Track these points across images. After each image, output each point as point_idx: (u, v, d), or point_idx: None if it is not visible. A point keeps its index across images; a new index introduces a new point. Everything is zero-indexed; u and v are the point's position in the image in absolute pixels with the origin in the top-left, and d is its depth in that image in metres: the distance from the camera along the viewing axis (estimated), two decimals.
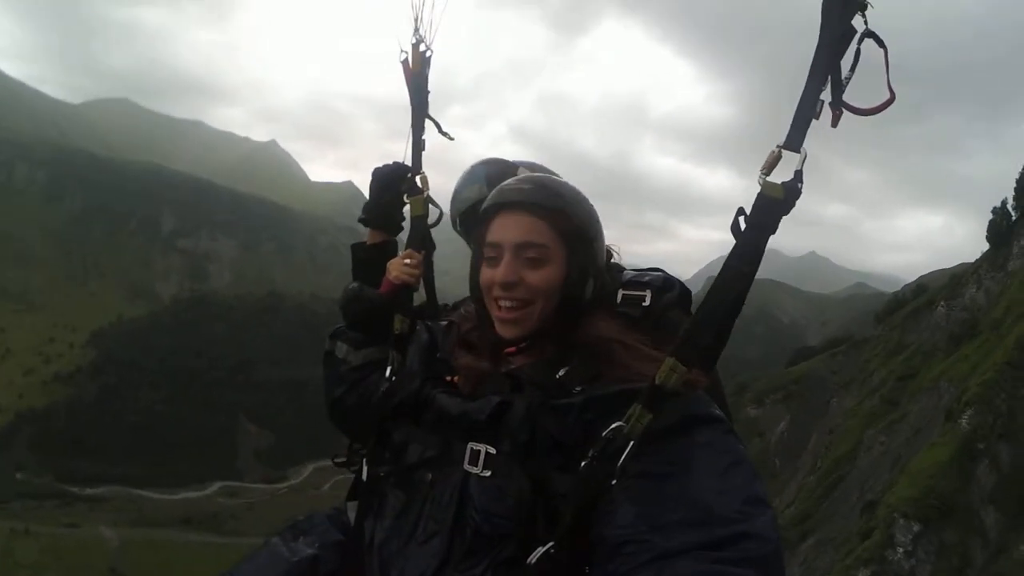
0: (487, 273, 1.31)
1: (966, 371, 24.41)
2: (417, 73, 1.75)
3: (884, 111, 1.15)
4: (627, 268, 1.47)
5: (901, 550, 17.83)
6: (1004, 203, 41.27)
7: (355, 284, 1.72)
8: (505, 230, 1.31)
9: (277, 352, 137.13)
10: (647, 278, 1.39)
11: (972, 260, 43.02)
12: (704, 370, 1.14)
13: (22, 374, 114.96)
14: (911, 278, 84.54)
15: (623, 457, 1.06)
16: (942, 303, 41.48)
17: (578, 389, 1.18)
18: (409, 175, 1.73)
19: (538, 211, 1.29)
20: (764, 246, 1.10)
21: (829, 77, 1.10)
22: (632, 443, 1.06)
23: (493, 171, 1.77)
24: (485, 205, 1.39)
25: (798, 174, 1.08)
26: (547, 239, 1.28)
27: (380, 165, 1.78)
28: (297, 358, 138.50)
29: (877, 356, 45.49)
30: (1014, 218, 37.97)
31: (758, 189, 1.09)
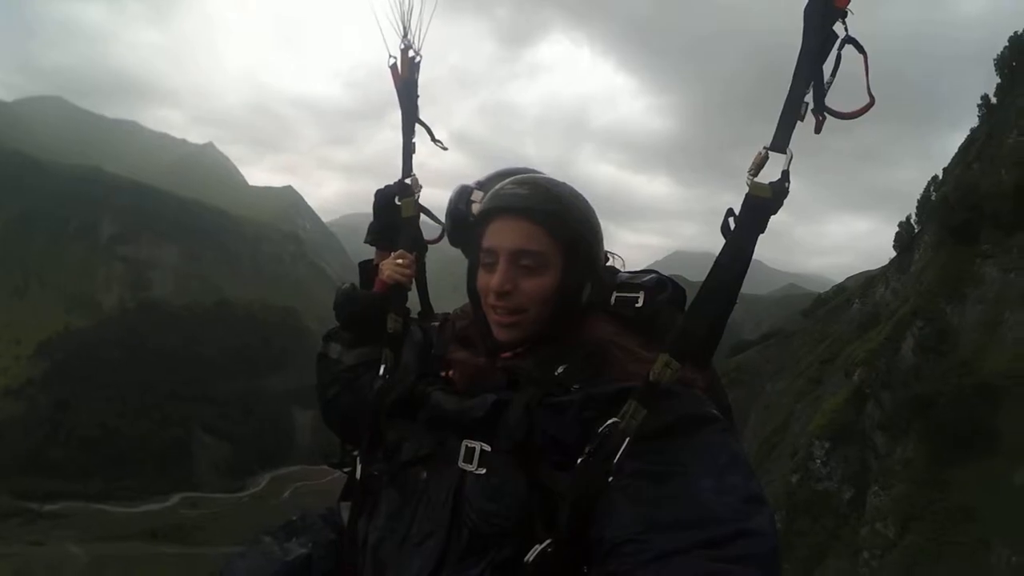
0: (483, 278, 1.34)
1: (863, 349, 34.16)
2: (406, 78, 1.80)
3: (864, 114, 1.20)
4: (621, 271, 1.49)
5: (819, 461, 27.55)
6: (908, 218, 51.60)
7: (348, 284, 1.77)
8: (501, 236, 1.31)
9: (229, 363, 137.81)
10: (641, 280, 1.41)
11: None
12: (699, 367, 1.20)
13: None
14: (840, 279, 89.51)
15: (619, 454, 1.07)
16: (857, 300, 51.79)
17: (576, 387, 1.20)
18: (401, 179, 1.77)
19: (535, 216, 1.29)
20: (753, 245, 1.14)
21: (812, 83, 1.14)
22: (628, 440, 1.07)
23: (485, 179, 1.71)
24: (482, 208, 1.40)
25: (785, 174, 1.12)
26: (543, 246, 1.29)
27: (382, 186, 1.82)
28: (249, 368, 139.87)
29: (804, 346, 55.36)
30: (916, 230, 46.54)
31: (746, 189, 1.14)
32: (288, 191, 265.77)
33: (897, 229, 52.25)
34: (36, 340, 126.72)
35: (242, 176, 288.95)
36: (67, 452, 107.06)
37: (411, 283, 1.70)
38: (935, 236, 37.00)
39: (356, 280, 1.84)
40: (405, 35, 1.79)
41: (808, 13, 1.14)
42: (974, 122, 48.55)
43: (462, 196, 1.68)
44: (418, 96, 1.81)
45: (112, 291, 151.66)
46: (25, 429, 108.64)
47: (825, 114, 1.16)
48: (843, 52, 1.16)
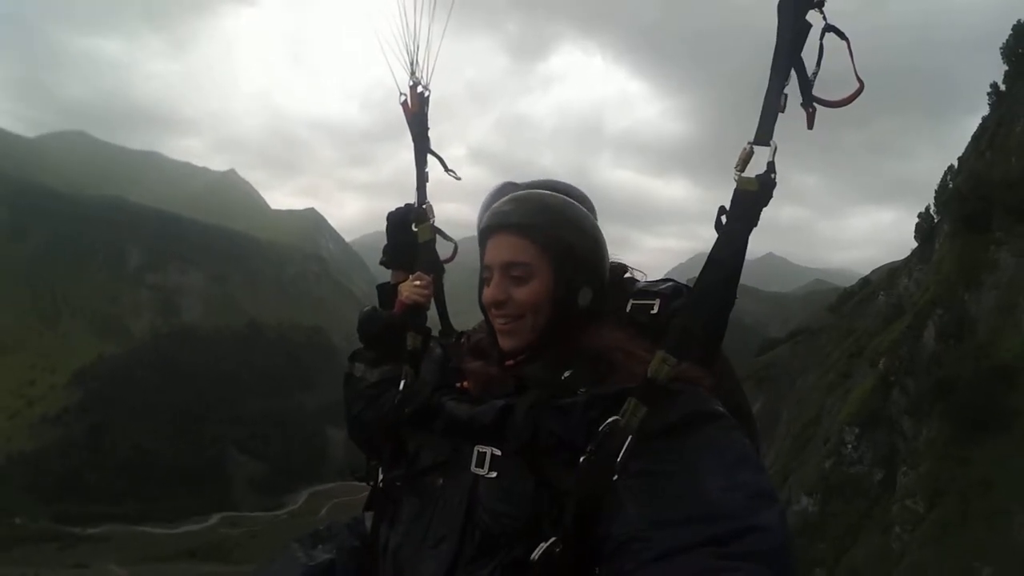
0: (485, 293, 1.43)
1: (888, 340, 35.89)
2: (416, 113, 1.89)
3: (855, 100, 1.20)
4: (641, 281, 1.54)
5: (850, 446, 29.43)
6: (928, 208, 53.05)
7: (369, 307, 1.86)
8: (493, 252, 1.41)
9: (260, 383, 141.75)
10: (658, 288, 1.44)
11: None
12: (703, 364, 1.22)
13: (7, 418, 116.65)
14: (866, 271, 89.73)
15: (622, 452, 1.09)
16: (881, 293, 52.97)
17: (582, 390, 1.24)
18: (417, 206, 1.86)
19: (520, 230, 1.38)
20: (746, 238, 1.17)
21: (796, 76, 1.16)
22: (631, 438, 1.10)
23: (529, 183, 1.65)
24: (479, 228, 1.48)
25: (771, 165, 1.15)
26: (529, 256, 1.36)
27: (393, 209, 1.92)
28: (280, 388, 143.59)
29: (831, 341, 56.50)
30: (936, 220, 47.50)
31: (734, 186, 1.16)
32: (310, 213, 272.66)
33: (917, 220, 54.07)
34: (70, 368, 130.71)
35: (264, 201, 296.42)
36: (105, 476, 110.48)
37: (429, 303, 1.79)
38: (952, 226, 38.48)
39: (376, 300, 1.92)
40: (413, 72, 1.88)
41: (781, 6, 1.17)
42: (987, 109, 49.37)
43: (500, 193, 1.66)
44: (428, 128, 1.90)
45: (141, 318, 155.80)
46: (63, 455, 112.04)
47: (816, 106, 1.18)
48: (834, 42, 1.18)
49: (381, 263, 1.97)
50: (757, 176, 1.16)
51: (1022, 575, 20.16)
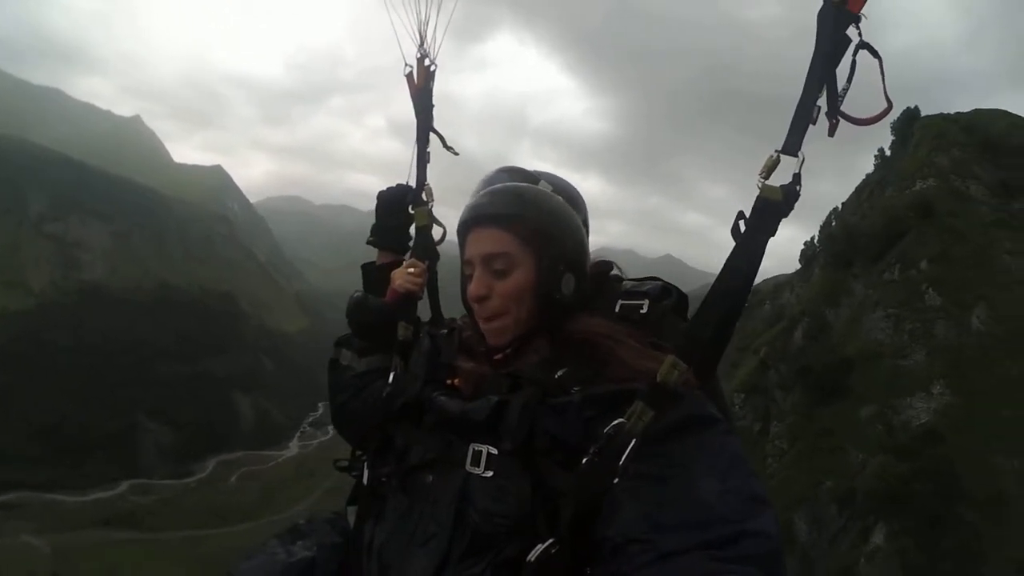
0: (468, 288, 1.45)
1: (769, 335, 50.34)
2: (422, 87, 1.91)
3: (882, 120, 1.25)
4: (626, 279, 1.54)
5: (737, 407, 43.66)
6: (813, 238, 68.10)
7: (360, 293, 1.87)
8: (473, 246, 1.44)
9: (172, 347, 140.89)
10: (645, 287, 1.46)
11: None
12: (705, 370, 1.25)
13: None
14: (757, 280, 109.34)
15: (625, 455, 1.11)
16: (767, 302, 67.66)
17: (576, 388, 1.26)
18: (415, 188, 1.88)
19: (498, 221, 1.41)
20: (764, 248, 1.18)
21: (825, 87, 1.18)
22: (635, 441, 1.12)
23: (506, 176, 1.61)
24: (458, 224, 1.49)
25: (796, 177, 1.16)
26: (509, 247, 1.40)
27: (384, 188, 1.95)
28: (192, 353, 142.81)
29: None
30: (817, 250, 61.62)
31: (756, 192, 1.17)
32: (217, 170, 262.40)
33: (803, 247, 69.49)
34: None
35: (168, 153, 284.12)
36: (12, 441, 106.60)
37: (422, 292, 1.82)
38: (826, 258, 52.90)
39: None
40: (422, 44, 1.91)
41: (821, 17, 1.19)
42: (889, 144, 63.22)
43: (495, 178, 1.58)
44: (433, 106, 1.94)
45: (41, 271, 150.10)
46: None
47: (839, 119, 1.21)
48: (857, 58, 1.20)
49: (368, 242, 2.01)
50: (782, 186, 1.17)
51: (849, 487, 33.14)
